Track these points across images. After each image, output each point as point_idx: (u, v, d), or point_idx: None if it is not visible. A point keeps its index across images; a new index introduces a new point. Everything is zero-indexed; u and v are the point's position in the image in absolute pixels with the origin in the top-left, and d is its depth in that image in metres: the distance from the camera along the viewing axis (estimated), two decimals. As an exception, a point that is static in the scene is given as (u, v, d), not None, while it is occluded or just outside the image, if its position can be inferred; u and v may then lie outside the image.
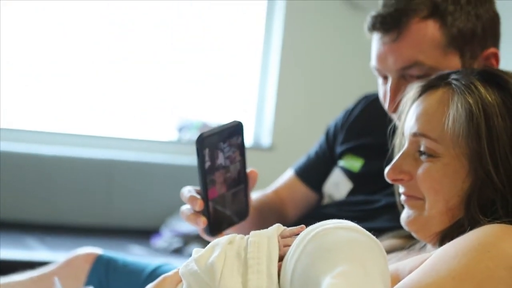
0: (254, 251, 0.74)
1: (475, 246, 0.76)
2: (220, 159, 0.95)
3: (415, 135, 0.89)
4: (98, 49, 3.37)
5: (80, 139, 3.31)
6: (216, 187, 0.96)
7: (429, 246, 0.92)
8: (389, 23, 1.08)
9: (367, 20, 1.12)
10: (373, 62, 1.13)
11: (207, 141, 0.92)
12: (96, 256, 1.29)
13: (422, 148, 0.87)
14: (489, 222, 0.81)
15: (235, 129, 0.96)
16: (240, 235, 0.78)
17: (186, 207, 1.02)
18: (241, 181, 1.01)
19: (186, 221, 1.01)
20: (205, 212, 0.97)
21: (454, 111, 0.84)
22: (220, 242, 0.77)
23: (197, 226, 0.99)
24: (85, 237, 2.98)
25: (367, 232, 0.71)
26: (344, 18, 3.47)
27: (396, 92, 1.09)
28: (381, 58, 1.11)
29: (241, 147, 0.98)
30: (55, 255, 2.49)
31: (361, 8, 3.40)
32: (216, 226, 0.99)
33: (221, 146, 0.94)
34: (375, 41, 1.12)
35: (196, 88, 3.53)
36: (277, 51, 3.48)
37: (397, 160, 0.90)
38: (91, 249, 1.31)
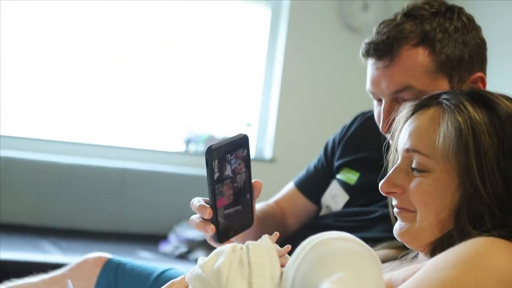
0: (256, 257, 0.75)
1: (465, 258, 0.75)
2: (228, 171, 0.95)
3: (407, 150, 0.89)
4: (112, 63, 3.37)
5: (94, 149, 3.31)
6: (224, 197, 0.96)
7: (420, 256, 0.91)
8: (382, 50, 1.09)
9: (362, 47, 1.13)
10: (368, 86, 1.14)
11: (216, 153, 0.92)
12: (106, 260, 1.28)
13: (414, 164, 0.87)
14: (478, 234, 0.80)
15: (241, 142, 0.96)
16: (240, 245, 0.79)
17: (195, 216, 1.02)
18: (247, 191, 1.01)
19: (195, 229, 1.01)
20: (214, 220, 0.96)
21: (445, 129, 0.85)
22: (224, 250, 0.78)
23: (205, 233, 0.99)
24: (96, 241, 2.97)
25: (363, 243, 0.71)
26: (343, 39, 3.48)
27: (389, 114, 1.10)
28: (375, 82, 1.12)
29: (247, 159, 0.98)
30: (68, 258, 2.48)
31: (358, 31, 3.42)
32: (224, 234, 0.99)
33: (228, 158, 0.94)
34: (369, 66, 1.13)
35: (202, 103, 3.53)
36: (279, 69, 3.50)
37: (390, 174, 0.90)
38: (101, 254, 1.30)
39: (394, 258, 0.95)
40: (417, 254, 0.92)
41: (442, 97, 0.90)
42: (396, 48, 1.08)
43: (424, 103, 0.92)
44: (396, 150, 0.93)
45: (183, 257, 2.92)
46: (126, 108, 3.42)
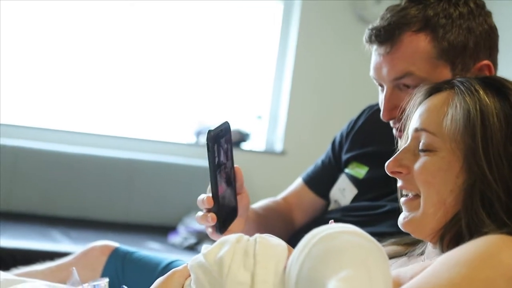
0: (263, 249, 0.73)
1: (476, 256, 0.74)
2: (222, 156, 0.94)
3: (416, 130, 0.89)
4: (124, 54, 3.37)
5: (104, 140, 3.32)
6: (222, 183, 0.95)
7: (427, 251, 0.90)
8: (383, 36, 1.08)
9: (365, 32, 1.12)
10: (371, 72, 1.13)
11: (215, 138, 0.91)
12: (112, 248, 1.28)
13: (421, 144, 0.87)
14: (491, 223, 0.79)
15: (227, 128, 0.96)
16: (247, 236, 0.78)
17: (199, 212, 1.01)
18: (232, 178, 1.01)
19: (199, 223, 1.00)
20: (215, 209, 0.95)
21: (453, 110, 0.85)
22: (228, 239, 0.77)
23: (207, 224, 0.98)
24: (106, 231, 2.97)
25: (371, 237, 0.69)
26: (355, 31, 3.42)
27: (390, 100, 1.09)
28: (376, 68, 1.11)
29: (231, 146, 0.98)
30: (78, 247, 2.48)
31: (371, 23, 3.38)
32: (224, 223, 0.97)
33: (222, 143, 0.93)
34: (373, 52, 1.12)
35: (213, 95, 3.53)
36: (291, 62, 3.48)
37: (398, 154, 0.90)
38: (107, 242, 1.30)
39: (401, 255, 0.94)
40: (424, 250, 0.91)
41: (456, 81, 0.90)
42: (397, 34, 1.06)
43: (437, 87, 0.92)
44: (408, 133, 0.93)
45: (192, 248, 2.92)
46: (137, 99, 3.42)
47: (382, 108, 1.11)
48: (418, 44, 1.06)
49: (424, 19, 1.06)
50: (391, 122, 1.11)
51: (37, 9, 3.21)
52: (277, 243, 0.76)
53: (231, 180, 1.00)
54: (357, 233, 0.68)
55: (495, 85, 0.87)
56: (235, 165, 1.02)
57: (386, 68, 1.08)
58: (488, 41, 1.09)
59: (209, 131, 0.91)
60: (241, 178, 1.05)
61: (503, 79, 0.89)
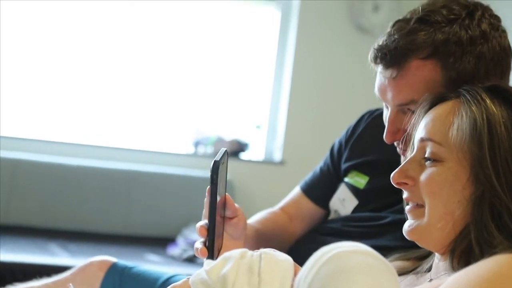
0: (268, 267, 0.71)
1: (488, 277, 0.71)
2: (221, 187, 0.93)
3: (422, 140, 0.87)
4: (121, 65, 3.36)
5: (102, 151, 3.29)
6: (217, 215, 0.93)
7: (434, 267, 0.87)
8: (389, 60, 1.02)
9: (371, 51, 1.07)
10: (376, 91, 1.09)
11: (219, 168, 0.89)
12: (110, 263, 1.26)
13: (427, 153, 0.85)
14: (500, 232, 0.76)
15: (225, 155, 0.94)
16: (251, 251, 0.75)
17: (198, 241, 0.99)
18: (224, 207, 0.99)
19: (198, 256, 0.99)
20: (209, 242, 0.93)
21: (459, 120, 0.83)
22: (232, 255, 0.74)
23: (200, 257, 0.97)
24: (105, 244, 2.95)
25: (382, 257, 0.66)
26: (354, 41, 3.44)
27: (394, 123, 1.06)
28: (381, 90, 1.07)
29: (226, 174, 0.96)
30: (76, 260, 2.45)
31: (369, 32, 3.38)
32: (215, 255, 0.95)
33: (221, 172, 0.91)
34: (378, 72, 1.08)
35: (212, 105, 3.51)
36: (289, 71, 3.47)
37: (404, 165, 0.88)
38: (105, 257, 1.28)
39: (408, 271, 0.91)
40: (431, 265, 0.89)
41: (462, 90, 0.88)
42: (403, 60, 1.01)
43: (443, 96, 0.90)
44: (413, 144, 0.91)
45: (191, 260, 2.89)
46: (134, 110, 3.40)
47: (386, 129, 1.08)
48: (425, 73, 1.01)
49: (433, 45, 1.00)
50: (394, 143, 1.08)
51: (32, 23, 3.20)
52: (283, 259, 0.74)
53: (224, 208, 0.99)
54: (366, 253, 0.65)
55: (502, 93, 0.85)
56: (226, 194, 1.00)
57: (391, 93, 1.04)
58: (500, 65, 1.03)
59: (215, 162, 0.88)
60: (232, 204, 1.02)
61: (510, 87, 0.87)
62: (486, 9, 1.04)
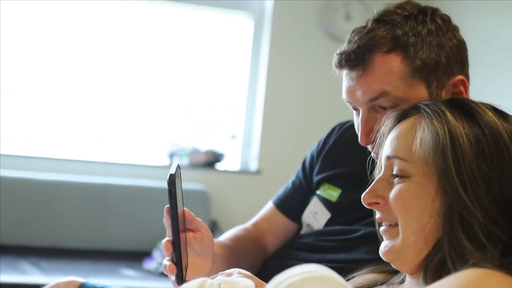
0: None
1: None
2: (179, 201, 0.90)
3: (388, 158, 0.87)
4: (93, 78, 3.31)
5: (76, 165, 3.23)
6: (180, 229, 0.90)
7: (407, 280, 0.85)
8: (354, 60, 1.04)
9: (334, 58, 1.08)
10: (344, 95, 1.09)
11: (175, 182, 0.86)
12: (78, 284, 1.21)
13: (394, 170, 0.84)
14: (471, 243, 0.75)
15: (179, 170, 0.91)
16: (210, 280, 0.72)
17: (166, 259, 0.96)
18: (183, 222, 0.96)
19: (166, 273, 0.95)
20: (176, 257, 0.90)
21: (421, 133, 0.83)
22: (190, 286, 0.71)
23: (169, 275, 0.93)
24: (79, 260, 2.88)
25: (338, 280, 0.63)
26: (327, 49, 3.41)
27: (367, 124, 1.05)
28: (350, 92, 1.07)
29: (181, 188, 0.93)
30: (49, 278, 2.39)
31: (342, 40, 3.37)
32: (183, 271, 0.92)
33: (178, 186, 0.89)
34: (344, 76, 1.08)
35: (187, 116, 3.47)
36: (263, 81, 3.45)
37: (373, 185, 0.87)
38: (73, 278, 1.23)
39: (381, 283, 0.89)
40: (404, 278, 0.86)
41: (422, 104, 0.88)
42: (368, 56, 1.03)
43: (405, 113, 0.90)
44: (381, 162, 0.89)
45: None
46: (108, 122, 3.35)
47: (359, 133, 1.07)
48: (391, 64, 1.02)
49: (393, 39, 1.03)
50: (369, 147, 1.06)
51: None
52: (244, 285, 0.71)
53: (184, 223, 0.96)
54: (321, 279, 0.62)
55: (462, 106, 0.85)
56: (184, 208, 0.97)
57: (361, 90, 1.04)
58: (459, 56, 1.06)
59: (171, 175, 0.85)
60: (193, 218, 0.99)
61: (469, 100, 0.88)
62: (436, 9, 1.10)
